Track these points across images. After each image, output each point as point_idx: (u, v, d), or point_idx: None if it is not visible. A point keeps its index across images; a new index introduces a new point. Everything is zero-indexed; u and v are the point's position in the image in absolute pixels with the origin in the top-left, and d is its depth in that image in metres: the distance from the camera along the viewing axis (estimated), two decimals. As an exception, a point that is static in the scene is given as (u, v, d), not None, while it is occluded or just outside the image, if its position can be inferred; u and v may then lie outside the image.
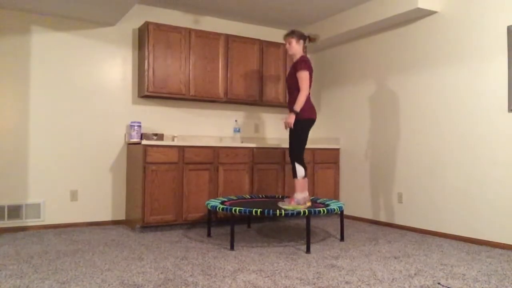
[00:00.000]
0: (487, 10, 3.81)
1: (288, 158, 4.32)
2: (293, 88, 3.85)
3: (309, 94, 3.82)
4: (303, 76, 3.75)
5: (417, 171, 4.41)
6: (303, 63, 3.78)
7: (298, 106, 3.72)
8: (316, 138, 5.75)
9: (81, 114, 4.53)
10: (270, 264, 3.09)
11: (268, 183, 4.86)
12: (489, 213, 3.75)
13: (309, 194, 3.95)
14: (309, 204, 3.80)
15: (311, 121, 3.84)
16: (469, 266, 3.09)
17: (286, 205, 3.73)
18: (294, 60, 3.91)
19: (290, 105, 3.86)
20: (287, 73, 5.27)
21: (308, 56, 5.82)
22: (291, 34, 3.91)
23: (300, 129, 3.78)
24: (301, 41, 3.92)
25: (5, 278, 2.69)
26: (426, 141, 4.33)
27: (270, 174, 4.88)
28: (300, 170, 3.78)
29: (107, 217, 4.64)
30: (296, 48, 3.90)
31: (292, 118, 3.73)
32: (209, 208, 3.82)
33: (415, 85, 4.45)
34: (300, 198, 3.75)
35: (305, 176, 3.80)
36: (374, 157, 4.94)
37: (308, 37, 4.00)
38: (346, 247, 3.68)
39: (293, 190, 3.88)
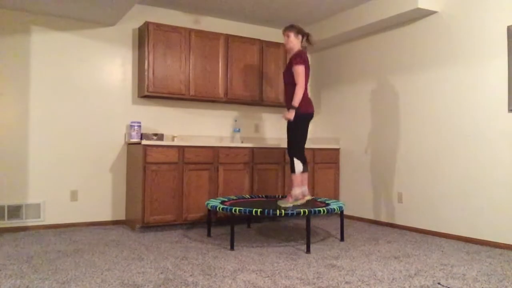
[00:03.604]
0: (487, 10, 3.81)
1: (288, 158, 4.33)
2: (289, 83, 3.84)
3: (306, 88, 3.81)
4: (298, 70, 3.73)
5: (417, 171, 4.41)
6: (298, 57, 3.77)
7: (296, 102, 3.70)
8: (316, 138, 5.75)
9: (81, 114, 4.53)
10: (270, 264, 3.09)
11: (268, 183, 4.86)
12: (489, 213, 3.75)
13: (310, 195, 3.94)
14: (308, 198, 3.79)
15: (308, 116, 3.82)
16: (469, 266, 3.08)
17: (285, 203, 3.73)
18: (291, 54, 3.90)
19: (287, 101, 3.85)
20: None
21: (308, 56, 5.83)
22: (290, 27, 3.90)
23: (297, 124, 3.76)
24: (300, 36, 3.90)
25: (5, 278, 2.69)
26: (426, 141, 4.33)
27: (270, 174, 4.88)
28: (298, 165, 3.76)
29: (107, 217, 4.64)
30: (294, 42, 3.88)
31: (291, 114, 3.71)
32: (209, 208, 3.83)
33: (415, 85, 4.45)
34: (297, 193, 3.75)
35: (304, 170, 3.78)
36: (374, 157, 4.94)
37: (307, 35, 3.97)
38: (346, 247, 3.68)
39: (290, 172, 3.86)
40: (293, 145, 3.81)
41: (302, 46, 3.94)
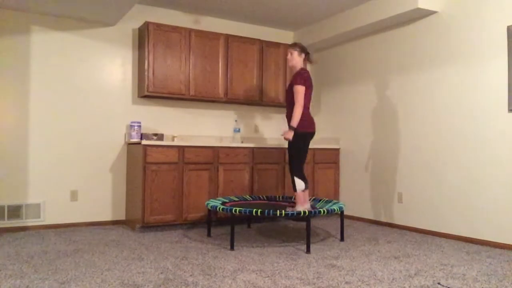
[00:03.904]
0: (487, 10, 3.81)
1: (287, 158, 4.36)
2: (291, 101, 3.86)
3: (307, 107, 3.83)
4: (299, 90, 3.76)
5: (417, 171, 4.41)
6: (299, 77, 3.80)
7: (294, 122, 3.73)
8: (316, 138, 5.74)
9: (81, 114, 4.53)
10: (270, 264, 3.09)
11: (268, 183, 4.86)
12: (489, 213, 3.75)
13: (309, 194, 3.96)
14: None
15: (307, 135, 3.84)
16: (469, 266, 3.09)
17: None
18: (294, 72, 3.93)
19: (288, 118, 3.88)
20: (286, 75, 5.30)
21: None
22: (294, 46, 3.96)
23: (298, 142, 3.79)
24: (303, 54, 3.95)
25: (5, 278, 2.69)
26: (426, 141, 4.33)
27: (270, 174, 4.88)
28: (299, 183, 3.79)
29: (107, 217, 4.64)
30: (297, 60, 3.92)
31: (290, 135, 3.74)
32: (209, 208, 3.83)
33: (415, 85, 4.45)
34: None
35: (306, 189, 3.81)
36: (374, 157, 4.94)
37: (308, 54, 4.02)
38: (346, 247, 3.68)
39: (293, 190, 3.89)
40: (293, 164, 3.84)
41: (304, 64, 4.00)
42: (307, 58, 4.02)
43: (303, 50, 3.95)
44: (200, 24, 5.11)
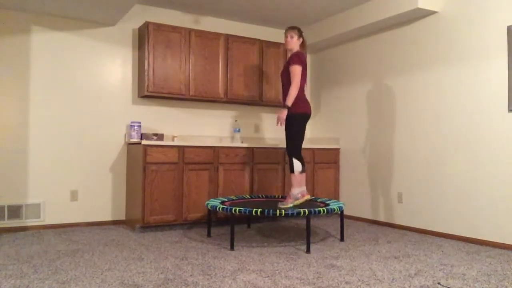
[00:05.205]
0: (487, 10, 3.81)
1: (287, 158, 4.37)
2: (286, 83, 3.88)
3: (303, 89, 3.85)
4: (295, 71, 3.77)
5: (417, 171, 4.41)
6: (296, 57, 3.83)
7: (290, 101, 3.75)
8: (316, 138, 5.75)
9: (81, 114, 4.53)
10: (270, 264, 3.09)
11: (268, 183, 4.86)
12: (489, 213, 3.75)
13: (309, 195, 3.95)
14: (307, 197, 3.81)
15: (305, 116, 3.86)
16: (469, 266, 3.09)
17: (285, 204, 3.74)
18: (289, 55, 3.95)
19: (284, 100, 3.89)
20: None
21: (308, 56, 5.84)
22: (294, 29, 3.96)
23: (295, 124, 3.79)
24: (301, 39, 3.98)
25: (5, 278, 2.69)
26: (426, 141, 4.33)
27: (270, 174, 4.88)
28: (297, 164, 3.80)
29: (107, 217, 4.64)
30: (296, 44, 3.94)
31: (284, 114, 3.75)
32: (209, 208, 3.83)
33: (415, 85, 4.45)
34: (297, 193, 3.77)
35: (303, 171, 3.81)
36: (374, 157, 4.94)
37: (304, 40, 4.05)
38: (346, 247, 3.68)
39: (289, 172, 3.89)
40: (291, 145, 3.84)
41: (300, 48, 3.99)
42: (303, 43, 4.04)
43: (301, 35, 3.98)
44: (200, 24, 5.12)
